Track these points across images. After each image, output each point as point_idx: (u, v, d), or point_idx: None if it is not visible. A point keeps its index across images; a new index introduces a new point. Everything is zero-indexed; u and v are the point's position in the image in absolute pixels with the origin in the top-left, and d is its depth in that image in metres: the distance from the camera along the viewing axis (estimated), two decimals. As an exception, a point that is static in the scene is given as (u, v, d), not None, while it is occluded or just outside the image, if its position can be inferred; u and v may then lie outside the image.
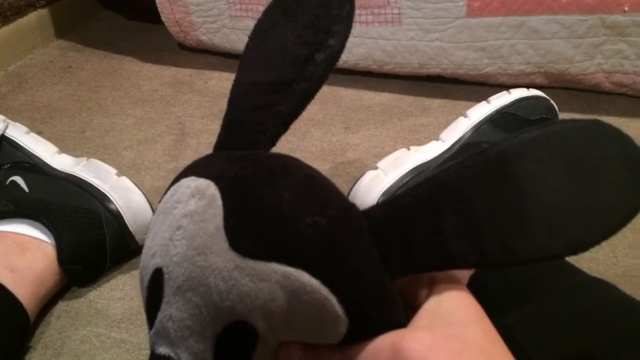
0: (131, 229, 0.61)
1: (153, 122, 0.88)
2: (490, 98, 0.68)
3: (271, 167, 0.31)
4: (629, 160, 0.29)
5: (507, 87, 0.70)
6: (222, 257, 0.28)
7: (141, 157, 0.80)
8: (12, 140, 0.65)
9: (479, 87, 0.89)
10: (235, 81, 0.39)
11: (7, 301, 0.51)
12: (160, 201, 0.33)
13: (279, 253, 0.27)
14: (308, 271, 0.27)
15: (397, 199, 0.31)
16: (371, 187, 0.61)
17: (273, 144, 0.37)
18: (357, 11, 0.87)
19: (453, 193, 0.29)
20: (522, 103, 0.66)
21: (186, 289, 0.29)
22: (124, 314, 0.57)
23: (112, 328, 0.55)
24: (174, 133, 0.85)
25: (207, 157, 0.34)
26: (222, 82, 0.98)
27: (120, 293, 0.59)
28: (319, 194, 0.30)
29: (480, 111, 0.66)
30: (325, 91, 0.92)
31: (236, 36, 0.98)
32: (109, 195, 0.61)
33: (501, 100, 0.67)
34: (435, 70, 0.90)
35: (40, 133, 0.74)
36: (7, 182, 0.61)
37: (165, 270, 0.30)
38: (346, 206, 0.31)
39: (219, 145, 0.37)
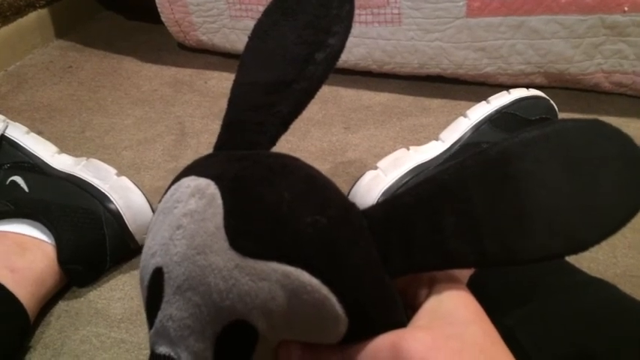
0: (131, 229, 0.61)
1: (153, 122, 0.88)
2: (490, 98, 0.68)
3: (271, 167, 0.31)
4: (629, 160, 0.29)
5: (507, 87, 0.70)
6: (223, 256, 0.28)
7: (141, 157, 0.80)
8: (12, 140, 0.65)
9: (478, 87, 0.90)
10: (235, 81, 0.39)
11: (7, 301, 0.51)
12: (160, 200, 0.33)
13: (279, 253, 0.27)
14: (308, 270, 0.27)
15: (397, 198, 0.31)
16: (371, 187, 0.61)
17: (274, 144, 0.37)
18: (356, 11, 0.87)
19: (452, 192, 0.29)
20: (522, 103, 0.66)
21: (186, 288, 0.29)
22: (124, 314, 0.57)
23: (112, 328, 0.55)
24: (174, 133, 0.85)
25: (207, 157, 0.34)
26: (222, 82, 0.98)
27: (120, 293, 0.59)
28: (319, 194, 0.30)
29: (480, 111, 0.66)
30: (325, 91, 0.92)
31: (236, 36, 0.98)
32: (108, 195, 0.61)
33: (501, 100, 0.67)
34: (434, 70, 0.90)
35: (39, 133, 0.74)
36: (7, 182, 0.61)
37: (165, 269, 0.30)
38: (346, 206, 0.31)
39: (219, 145, 0.37)
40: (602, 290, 0.41)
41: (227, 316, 0.28)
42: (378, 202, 0.31)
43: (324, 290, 0.27)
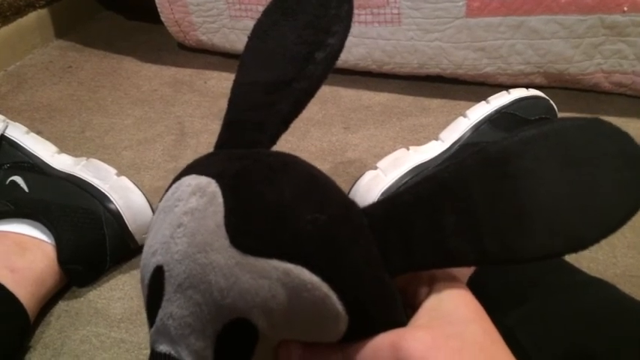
0: (131, 229, 0.61)
1: (152, 122, 0.88)
2: (489, 98, 0.68)
3: (272, 165, 0.31)
4: (628, 158, 0.29)
5: (507, 87, 0.70)
6: (223, 254, 0.28)
7: (140, 157, 0.80)
8: (12, 140, 0.65)
9: (478, 87, 0.90)
10: (235, 81, 0.39)
11: (7, 301, 0.51)
12: (160, 199, 0.33)
13: (280, 250, 0.27)
14: (308, 267, 0.27)
15: (397, 196, 0.31)
16: (370, 187, 0.61)
17: (274, 142, 0.37)
18: (356, 11, 0.87)
19: (452, 191, 0.30)
20: (522, 103, 0.66)
21: (187, 286, 0.29)
22: (124, 314, 0.57)
23: (111, 327, 0.55)
24: (173, 133, 0.85)
25: (208, 156, 0.34)
26: (221, 81, 0.98)
27: (120, 293, 0.59)
28: (320, 192, 0.30)
29: (480, 111, 0.66)
30: (325, 91, 0.92)
31: (235, 36, 0.98)
32: (108, 195, 0.61)
33: (501, 100, 0.67)
34: (434, 70, 0.90)
35: (39, 133, 0.74)
36: (7, 182, 0.61)
37: (166, 268, 0.30)
38: (346, 204, 0.31)
39: (220, 145, 0.37)
40: (602, 290, 0.42)
41: (227, 315, 0.28)
42: (378, 200, 0.31)
43: (325, 288, 0.27)
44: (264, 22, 0.41)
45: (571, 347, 0.37)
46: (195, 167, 0.32)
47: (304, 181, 0.30)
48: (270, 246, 0.28)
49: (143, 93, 0.96)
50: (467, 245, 0.29)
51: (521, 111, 0.66)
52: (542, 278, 0.43)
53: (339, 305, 0.28)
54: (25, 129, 0.67)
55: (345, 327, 0.29)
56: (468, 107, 0.68)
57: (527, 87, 0.69)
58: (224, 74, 1.00)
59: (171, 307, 0.30)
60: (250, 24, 0.43)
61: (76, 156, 0.66)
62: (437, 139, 0.67)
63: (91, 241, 0.59)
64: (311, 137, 0.82)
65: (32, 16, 1.10)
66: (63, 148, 0.68)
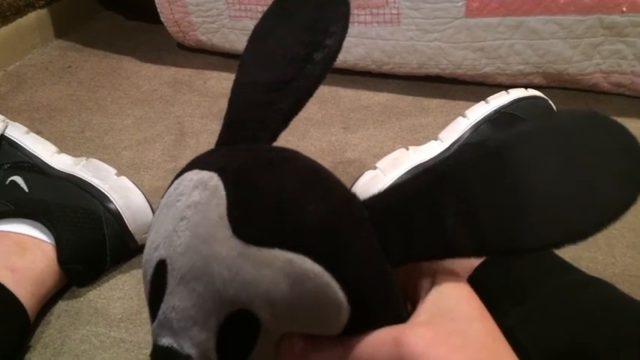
0: (131, 229, 0.61)
1: (152, 122, 0.88)
2: (489, 98, 0.68)
3: (273, 158, 0.31)
4: (625, 149, 0.29)
5: (506, 87, 0.70)
6: (226, 245, 0.28)
7: (140, 157, 0.80)
8: (11, 140, 0.65)
9: (477, 87, 0.90)
10: (235, 81, 0.40)
11: (7, 301, 0.51)
12: (162, 197, 0.34)
13: (282, 239, 0.28)
14: (311, 257, 0.28)
15: (397, 189, 0.31)
16: (370, 187, 0.62)
17: (274, 140, 0.38)
18: (355, 11, 0.87)
19: (452, 183, 0.30)
20: (521, 103, 0.67)
21: (190, 278, 0.29)
22: (124, 314, 0.57)
23: (111, 327, 0.55)
24: (173, 133, 0.85)
25: (209, 152, 0.35)
26: (221, 82, 0.98)
27: (119, 293, 0.59)
28: (321, 184, 0.31)
29: (479, 111, 0.66)
30: (324, 91, 0.92)
31: (235, 36, 0.98)
32: (108, 195, 0.61)
33: (500, 100, 0.67)
34: (433, 70, 0.90)
35: (39, 133, 0.74)
36: (7, 182, 0.61)
37: (168, 261, 0.30)
38: (347, 197, 0.31)
39: (221, 143, 0.38)
40: (602, 290, 0.42)
41: (230, 306, 0.29)
42: (378, 192, 0.32)
43: (327, 277, 0.28)
44: (264, 24, 0.41)
45: (571, 347, 0.37)
46: (197, 163, 0.33)
47: (306, 173, 0.31)
48: (272, 236, 0.28)
49: (143, 93, 0.96)
50: (466, 236, 0.29)
51: (520, 111, 0.66)
52: (542, 278, 0.43)
53: (341, 294, 0.28)
54: (24, 129, 0.67)
55: (347, 319, 0.29)
56: (467, 107, 0.68)
57: (526, 87, 0.70)
58: (224, 74, 1.00)
59: (174, 299, 0.30)
60: (250, 24, 0.44)
61: (75, 156, 0.66)
62: (436, 139, 0.67)
63: (91, 241, 0.59)
64: (310, 137, 0.82)
65: (32, 16, 1.10)
66: (63, 148, 0.68)
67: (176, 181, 0.33)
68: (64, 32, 1.17)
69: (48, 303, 0.57)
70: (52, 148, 0.66)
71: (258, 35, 0.41)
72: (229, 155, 0.33)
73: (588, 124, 0.30)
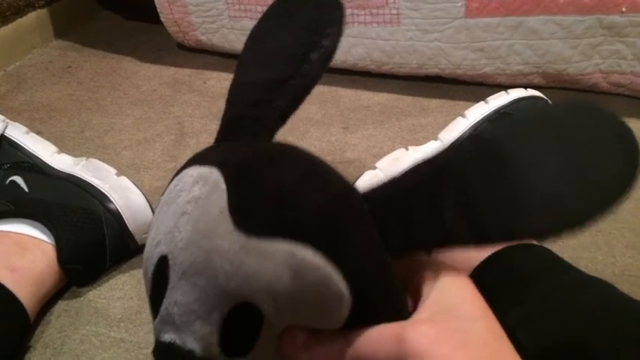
0: (131, 229, 0.61)
1: (152, 122, 0.88)
2: (488, 98, 0.68)
3: (273, 153, 0.32)
4: (619, 136, 0.30)
5: (505, 87, 0.70)
6: (228, 238, 0.28)
7: (140, 157, 0.80)
8: (11, 140, 0.65)
9: (477, 87, 0.90)
10: (234, 81, 0.40)
11: (7, 301, 0.51)
12: (162, 194, 0.34)
13: (284, 230, 0.28)
14: (312, 247, 0.28)
15: (397, 181, 0.32)
16: (370, 187, 0.62)
17: (272, 137, 0.38)
18: (355, 11, 0.87)
19: (450, 175, 0.30)
20: (520, 103, 0.67)
21: (192, 273, 0.29)
22: (124, 313, 0.57)
23: (111, 327, 0.55)
24: (173, 133, 0.85)
25: (209, 148, 0.35)
26: (221, 82, 0.98)
27: (119, 293, 0.59)
28: (321, 176, 0.31)
29: (478, 111, 0.66)
30: (324, 91, 0.92)
31: (235, 36, 0.98)
32: (108, 195, 0.61)
33: (499, 100, 0.67)
34: (433, 71, 0.90)
35: (39, 133, 0.74)
36: (7, 182, 0.61)
37: (170, 257, 0.30)
38: (347, 188, 0.31)
39: (219, 140, 0.38)
40: (601, 290, 0.42)
41: (233, 299, 0.29)
42: (377, 184, 0.32)
43: (328, 268, 0.28)
44: (262, 25, 0.42)
45: (571, 347, 0.37)
46: (197, 159, 0.33)
47: (305, 166, 0.31)
48: (273, 226, 0.28)
49: (142, 93, 0.96)
50: (465, 228, 0.29)
51: (519, 111, 0.66)
52: (542, 278, 0.44)
53: (342, 286, 0.28)
54: (24, 129, 0.67)
55: (348, 311, 0.29)
56: (467, 107, 0.68)
57: (525, 87, 0.70)
58: (223, 74, 1.00)
59: (176, 294, 0.30)
60: (249, 24, 0.44)
61: (75, 156, 0.66)
62: (436, 139, 0.67)
63: (91, 241, 0.59)
64: (310, 137, 0.82)
65: (32, 16, 1.10)
66: (62, 148, 0.68)
67: (176, 178, 0.33)
68: (64, 32, 1.17)
69: (48, 303, 0.58)
70: (52, 148, 0.66)
71: (257, 35, 0.42)
72: (229, 151, 0.33)
73: (581, 112, 0.31)
